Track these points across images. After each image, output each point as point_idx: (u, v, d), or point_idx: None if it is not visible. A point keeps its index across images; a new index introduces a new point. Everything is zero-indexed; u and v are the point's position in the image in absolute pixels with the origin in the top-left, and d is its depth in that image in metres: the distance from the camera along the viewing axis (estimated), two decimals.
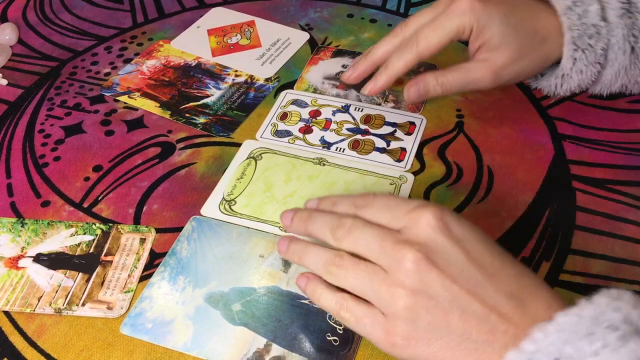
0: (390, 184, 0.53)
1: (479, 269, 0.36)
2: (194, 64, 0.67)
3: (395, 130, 0.58)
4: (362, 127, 0.58)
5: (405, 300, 0.35)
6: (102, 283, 0.47)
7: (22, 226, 0.51)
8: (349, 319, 0.38)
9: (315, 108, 0.61)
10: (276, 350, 0.43)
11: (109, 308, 0.45)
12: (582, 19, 0.52)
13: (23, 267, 0.48)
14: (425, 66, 0.64)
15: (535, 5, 0.55)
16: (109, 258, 0.49)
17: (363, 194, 0.42)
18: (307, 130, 0.58)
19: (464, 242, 0.36)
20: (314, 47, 0.68)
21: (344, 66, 0.65)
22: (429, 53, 0.53)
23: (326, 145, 0.57)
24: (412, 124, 0.58)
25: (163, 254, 0.49)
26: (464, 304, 0.35)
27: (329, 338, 0.43)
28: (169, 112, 0.61)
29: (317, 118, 0.60)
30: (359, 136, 0.58)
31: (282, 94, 0.63)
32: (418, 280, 0.35)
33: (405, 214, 0.38)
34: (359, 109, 0.60)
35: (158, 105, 0.62)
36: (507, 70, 0.53)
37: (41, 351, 0.44)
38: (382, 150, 0.56)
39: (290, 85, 0.64)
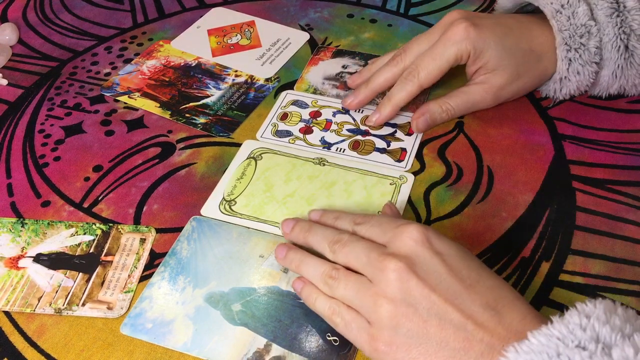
0: (391, 184, 0.53)
1: (457, 280, 0.38)
2: (194, 64, 0.67)
3: (395, 131, 0.58)
4: (363, 127, 0.59)
5: (387, 308, 0.38)
6: (102, 283, 0.47)
7: (22, 226, 0.51)
8: (339, 324, 0.41)
9: (316, 109, 0.61)
10: (276, 350, 0.43)
11: (109, 308, 0.45)
12: (571, 19, 0.53)
13: (23, 267, 0.49)
14: None
15: (528, 23, 0.56)
16: (109, 258, 0.49)
17: (365, 213, 0.46)
18: (307, 130, 0.58)
19: (443, 255, 0.39)
20: (314, 47, 0.68)
21: (344, 66, 0.65)
22: (429, 82, 0.56)
23: (326, 145, 0.57)
24: None
25: (163, 254, 0.49)
26: (441, 312, 0.37)
27: (329, 338, 0.43)
28: (169, 112, 0.61)
29: (318, 119, 0.60)
30: (359, 137, 0.58)
31: (283, 94, 0.63)
32: (398, 289, 0.38)
33: (392, 229, 0.41)
34: (360, 110, 0.60)
35: (158, 105, 0.62)
36: (506, 90, 0.57)
37: (41, 351, 0.44)
38: (382, 151, 0.56)
39: (290, 85, 0.64)
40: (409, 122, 0.58)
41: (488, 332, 0.36)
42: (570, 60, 0.54)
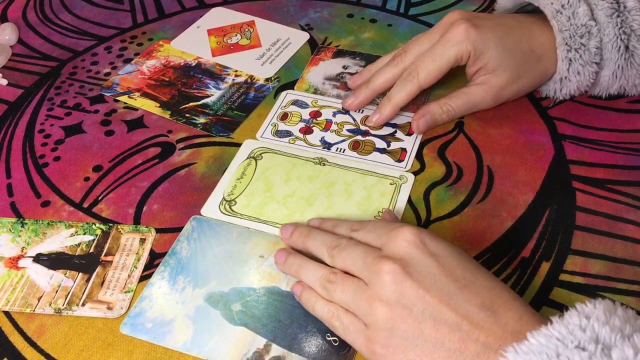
0: (391, 183, 0.53)
1: (452, 280, 0.38)
2: (194, 64, 0.67)
3: (395, 131, 0.58)
4: (363, 128, 0.59)
5: (382, 310, 0.38)
6: (102, 283, 0.47)
7: (22, 226, 0.51)
8: (338, 327, 0.41)
9: (316, 109, 0.61)
10: (276, 350, 0.43)
11: (109, 308, 0.45)
12: (572, 20, 0.53)
13: (23, 267, 0.48)
14: None
15: (529, 24, 0.56)
16: (109, 258, 0.49)
17: (362, 220, 0.47)
18: (307, 130, 0.58)
19: (437, 256, 0.39)
20: (314, 47, 0.68)
21: (344, 67, 0.65)
22: (429, 83, 0.56)
23: (326, 145, 0.57)
24: None
25: (163, 254, 0.49)
26: (436, 312, 0.37)
27: (328, 338, 0.43)
28: (169, 112, 0.61)
29: (318, 119, 0.60)
30: (359, 137, 0.58)
31: (283, 94, 0.63)
32: (393, 291, 0.38)
33: (387, 233, 0.41)
34: (360, 110, 0.60)
35: (158, 105, 0.62)
36: (507, 90, 0.57)
37: (41, 351, 0.44)
38: (382, 151, 0.56)
39: (290, 85, 0.64)
40: (409, 122, 0.58)
41: (484, 332, 0.36)
42: (570, 60, 0.54)
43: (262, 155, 0.56)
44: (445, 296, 0.37)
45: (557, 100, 0.59)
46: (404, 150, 0.56)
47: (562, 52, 0.54)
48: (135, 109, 0.62)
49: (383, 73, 0.57)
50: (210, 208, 0.52)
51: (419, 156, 0.56)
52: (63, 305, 0.46)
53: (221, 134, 0.59)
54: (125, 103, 0.62)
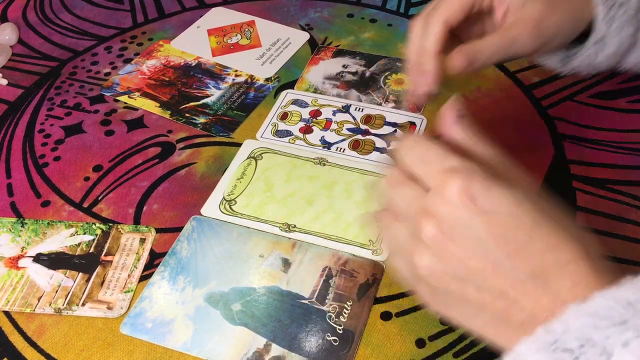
0: None
1: (501, 245, 0.34)
2: (194, 64, 0.67)
3: (395, 131, 0.58)
4: (363, 127, 0.59)
5: (423, 271, 0.35)
6: (102, 283, 0.47)
7: (22, 226, 0.51)
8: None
9: (316, 108, 0.61)
10: (276, 350, 0.43)
11: (109, 308, 0.45)
12: None
13: (23, 267, 0.48)
14: None
15: None
16: (109, 258, 0.49)
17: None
18: (307, 130, 0.58)
19: (489, 214, 0.34)
20: (314, 47, 0.68)
21: (344, 66, 0.65)
22: (455, 19, 0.48)
23: (326, 145, 0.57)
24: (413, 124, 0.58)
25: (163, 254, 0.49)
26: (479, 280, 0.34)
27: (328, 338, 0.43)
28: (169, 112, 0.61)
29: (318, 118, 0.60)
30: (359, 136, 0.58)
31: (283, 93, 0.63)
32: (432, 256, 0.35)
33: (435, 168, 0.36)
34: (360, 109, 0.60)
35: (158, 105, 0.62)
36: (545, 23, 0.48)
37: (41, 351, 0.44)
38: (382, 151, 0.56)
39: (290, 85, 0.64)
40: (409, 122, 0.58)
41: (530, 302, 0.33)
42: (612, 18, 0.49)
43: (262, 155, 0.56)
44: (491, 264, 0.34)
45: (594, 71, 0.52)
46: None
47: (602, 9, 0.48)
48: (135, 109, 0.62)
49: (410, 39, 0.49)
50: (211, 208, 0.52)
51: None
52: (63, 305, 0.46)
53: (221, 134, 0.59)
54: (125, 103, 0.62)
